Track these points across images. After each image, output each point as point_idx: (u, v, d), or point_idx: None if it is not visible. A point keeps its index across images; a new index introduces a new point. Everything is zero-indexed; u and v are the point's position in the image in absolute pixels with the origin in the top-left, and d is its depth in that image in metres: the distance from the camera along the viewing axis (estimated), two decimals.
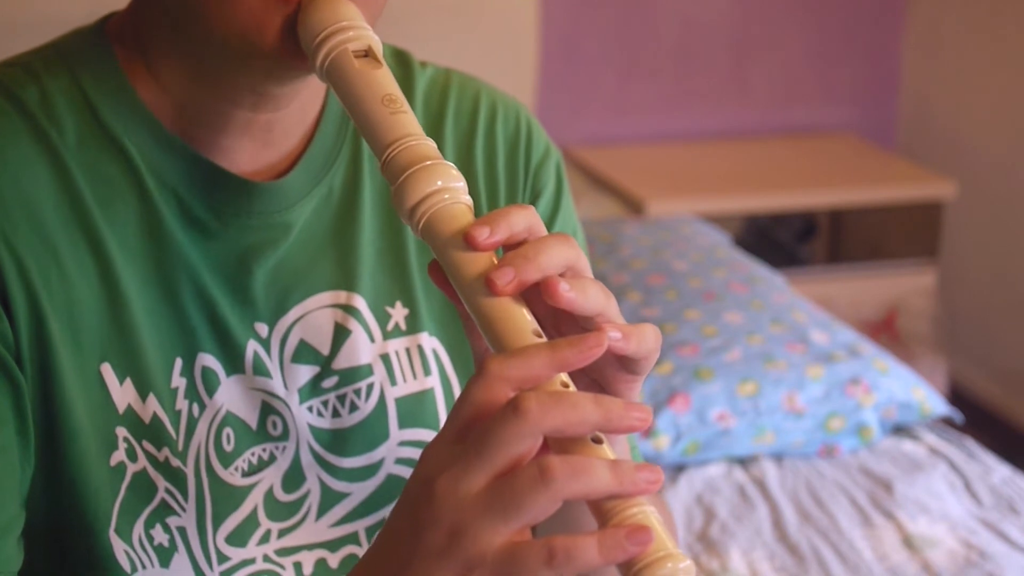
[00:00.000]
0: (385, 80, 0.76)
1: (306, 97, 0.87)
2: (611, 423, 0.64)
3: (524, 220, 0.71)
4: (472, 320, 0.72)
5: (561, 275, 0.71)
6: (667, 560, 0.62)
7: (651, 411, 0.66)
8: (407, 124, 0.74)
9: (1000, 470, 2.05)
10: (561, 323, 0.73)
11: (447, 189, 0.72)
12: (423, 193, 0.71)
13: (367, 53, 0.76)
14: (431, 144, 0.74)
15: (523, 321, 0.68)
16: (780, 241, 3.37)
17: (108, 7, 0.89)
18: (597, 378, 0.74)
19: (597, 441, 0.65)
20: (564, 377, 0.67)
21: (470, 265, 0.70)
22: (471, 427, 0.64)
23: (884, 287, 3.16)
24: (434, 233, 0.71)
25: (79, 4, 1.43)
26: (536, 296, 0.70)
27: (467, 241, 0.70)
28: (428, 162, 0.72)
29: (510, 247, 0.71)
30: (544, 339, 0.68)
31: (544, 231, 0.72)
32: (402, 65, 0.96)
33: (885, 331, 3.13)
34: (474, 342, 0.76)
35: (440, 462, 0.64)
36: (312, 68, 0.77)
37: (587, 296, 0.69)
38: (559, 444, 0.65)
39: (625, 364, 0.73)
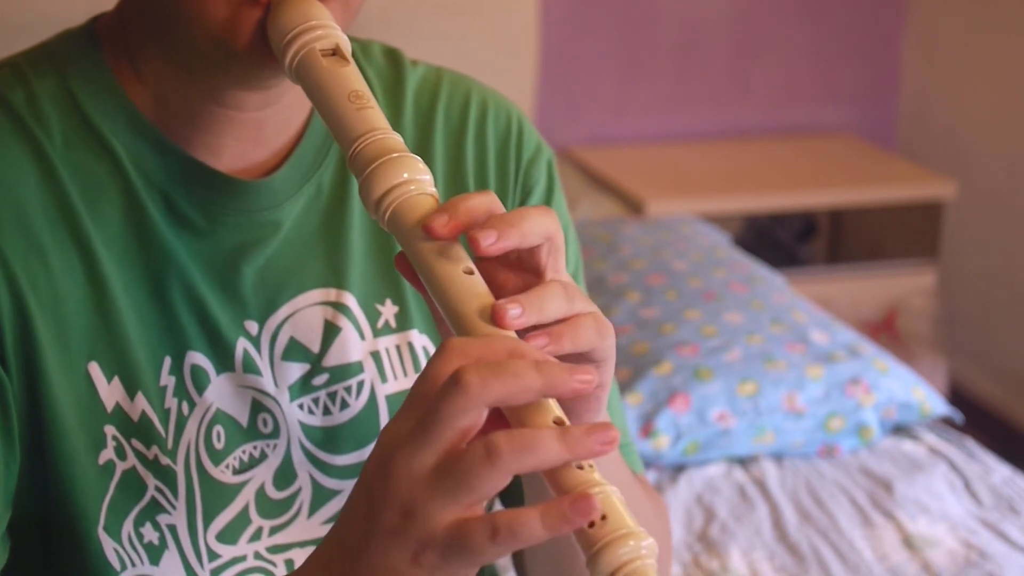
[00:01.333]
0: (352, 77, 0.77)
1: (294, 96, 0.88)
2: (555, 387, 0.64)
3: (483, 205, 0.71)
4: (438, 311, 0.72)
5: (539, 249, 0.71)
6: (628, 538, 0.62)
7: (595, 372, 0.65)
8: (373, 119, 0.75)
9: (1000, 470, 2.05)
10: None
11: (413, 181, 0.72)
12: (389, 185, 0.72)
13: (335, 51, 0.77)
14: (397, 138, 0.74)
15: (484, 303, 0.68)
16: (780, 241, 3.37)
17: (106, 7, 0.89)
18: None
19: (559, 423, 0.65)
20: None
21: (433, 253, 0.70)
22: (422, 401, 0.64)
23: (884, 287, 3.16)
24: (399, 224, 0.72)
25: (79, 4, 1.43)
26: (502, 277, 0.71)
27: (425, 230, 0.70)
28: (394, 155, 0.73)
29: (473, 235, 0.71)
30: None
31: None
32: (393, 63, 0.97)
33: (885, 331, 3.13)
34: (444, 333, 0.77)
35: (395, 440, 0.64)
36: (282, 68, 0.77)
37: (543, 312, 0.69)
38: (513, 414, 0.65)
39: (582, 356, 0.72)
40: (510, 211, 0.71)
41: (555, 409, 0.66)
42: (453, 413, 0.62)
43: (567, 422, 0.66)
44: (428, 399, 0.64)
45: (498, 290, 0.71)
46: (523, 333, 0.69)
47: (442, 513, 0.62)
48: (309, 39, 0.76)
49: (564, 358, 0.72)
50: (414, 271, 0.72)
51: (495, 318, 0.67)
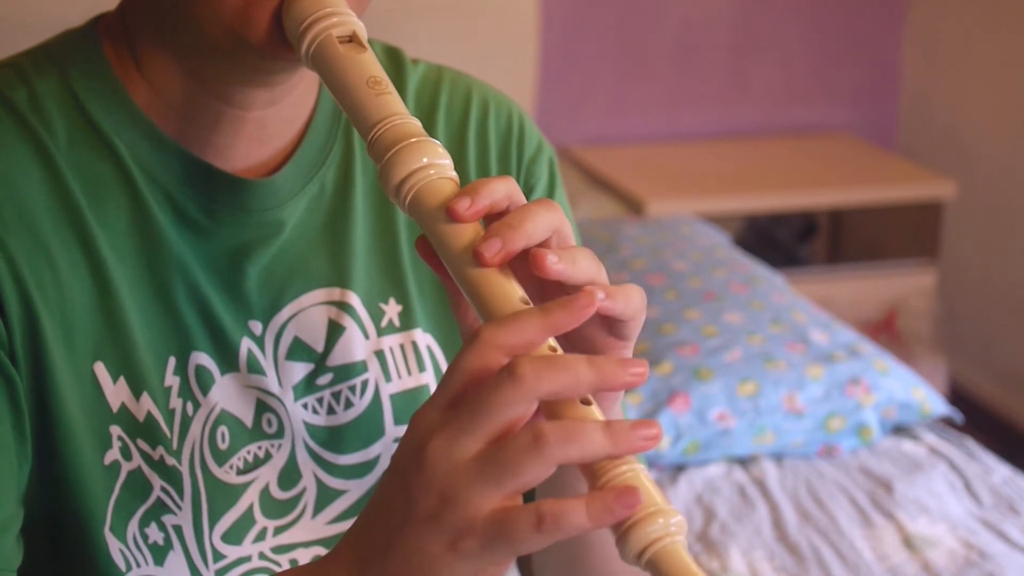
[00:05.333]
0: (370, 63, 0.76)
1: (298, 95, 0.87)
2: (606, 382, 0.64)
3: (504, 189, 0.71)
4: (459, 295, 0.72)
5: (547, 242, 0.71)
6: (658, 516, 0.62)
7: (647, 365, 0.65)
8: (392, 104, 0.74)
9: (1000, 470, 2.05)
10: (547, 290, 0.73)
11: (433, 165, 0.72)
12: (409, 169, 0.71)
13: (351, 38, 0.77)
14: (416, 123, 0.74)
15: (511, 290, 0.68)
16: (780, 241, 3.37)
17: (106, 7, 0.89)
18: (587, 348, 0.74)
19: (586, 403, 0.65)
20: (553, 343, 0.67)
21: (456, 237, 0.70)
22: (464, 393, 0.64)
23: (884, 287, 3.16)
24: (420, 208, 0.71)
25: (79, 4, 1.43)
26: (522, 264, 0.70)
27: (448, 213, 0.70)
28: (413, 139, 0.72)
29: (493, 217, 0.71)
30: (532, 306, 0.68)
31: (524, 200, 0.72)
32: (394, 62, 0.97)
33: (885, 331, 3.14)
34: (461, 318, 0.76)
35: (432, 427, 0.64)
36: (298, 56, 0.77)
37: (576, 266, 0.69)
38: (549, 406, 0.65)
39: (613, 329, 0.73)
40: (513, 212, 0.71)
41: None
42: (505, 403, 0.62)
43: (593, 401, 0.66)
44: (467, 388, 0.64)
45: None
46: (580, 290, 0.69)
47: (482, 500, 0.62)
48: (326, 26, 0.76)
49: (600, 336, 0.73)
50: (435, 255, 0.72)
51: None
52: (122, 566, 0.82)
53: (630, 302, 0.70)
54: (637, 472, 0.64)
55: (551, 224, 0.71)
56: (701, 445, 2.05)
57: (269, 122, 0.86)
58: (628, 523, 0.62)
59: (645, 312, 0.72)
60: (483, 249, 0.68)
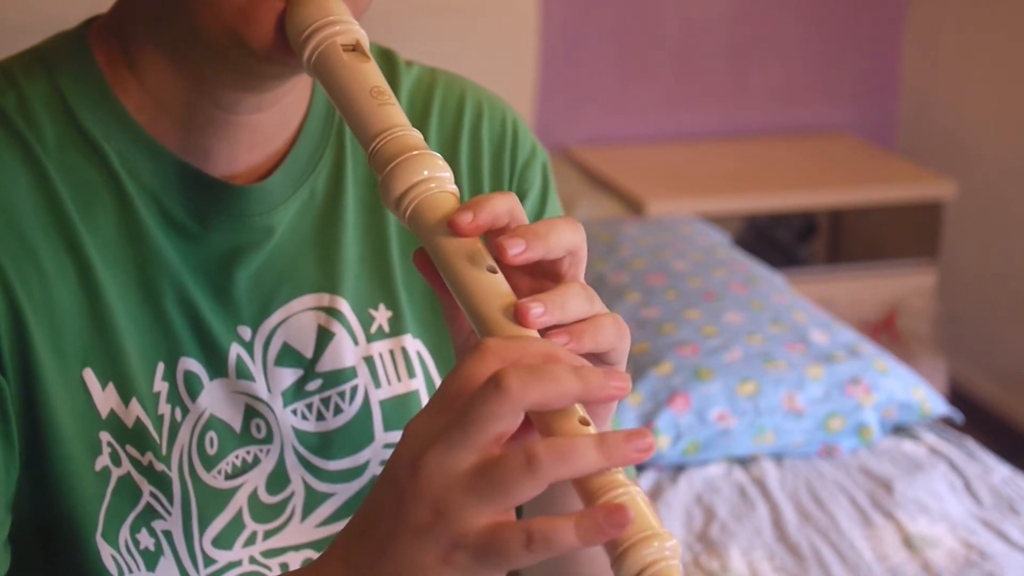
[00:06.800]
0: (372, 73, 0.76)
1: (290, 100, 0.87)
2: (591, 393, 0.64)
3: (506, 205, 0.71)
4: (455, 309, 0.72)
5: (560, 261, 0.71)
6: (653, 539, 0.62)
7: (630, 379, 0.66)
8: (394, 115, 0.74)
9: (1000, 470, 2.05)
10: None
11: (433, 178, 0.72)
12: (409, 182, 0.72)
13: (355, 47, 0.77)
14: (417, 135, 0.74)
15: (508, 302, 0.69)
16: (780, 241, 3.37)
17: (105, 8, 0.88)
18: None
19: (584, 423, 0.65)
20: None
21: (456, 250, 0.70)
22: (456, 400, 0.64)
23: (884, 287, 3.16)
24: (420, 221, 0.72)
25: (79, 4, 1.42)
26: (523, 280, 0.71)
27: (450, 227, 0.70)
28: (415, 152, 0.72)
29: (493, 233, 0.72)
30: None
31: (524, 217, 0.73)
32: (388, 64, 0.96)
33: (885, 331, 3.13)
34: (455, 332, 0.77)
35: (426, 437, 0.64)
36: (300, 63, 0.77)
37: (565, 311, 0.69)
38: (543, 422, 0.65)
39: (598, 356, 0.73)
40: (539, 221, 0.71)
41: (580, 410, 0.66)
42: (492, 416, 0.62)
43: (591, 422, 0.66)
44: (462, 398, 0.64)
45: (514, 292, 0.71)
46: (544, 332, 0.69)
47: (475, 515, 0.62)
48: (329, 34, 0.76)
49: (590, 362, 0.73)
50: (433, 268, 0.72)
51: (518, 316, 0.67)
52: (114, 572, 0.82)
53: (599, 338, 0.70)
54: (633, 495, 0.64)
55: (570, 244, 0.71)
56: (701, 445, 2.05)
57: (260, 127, 0.86)
58: (624, 546, 0.62)
59: (627, 339, 0.72)
60: (507, 246, 0.68)
